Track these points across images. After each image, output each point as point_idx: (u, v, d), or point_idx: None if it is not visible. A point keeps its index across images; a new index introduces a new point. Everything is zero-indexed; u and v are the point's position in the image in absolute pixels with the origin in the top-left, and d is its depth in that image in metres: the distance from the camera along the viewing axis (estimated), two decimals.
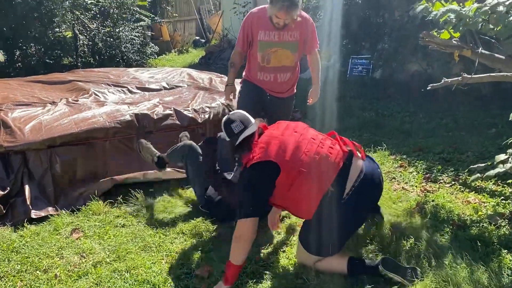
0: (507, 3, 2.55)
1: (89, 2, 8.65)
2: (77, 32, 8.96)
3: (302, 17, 3.25)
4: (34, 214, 3.20)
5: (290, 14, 3.05)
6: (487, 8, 2.60)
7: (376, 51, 6.89)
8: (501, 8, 2.56)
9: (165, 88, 4.84)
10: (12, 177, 3.34)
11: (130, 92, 4.66)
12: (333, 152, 2.34)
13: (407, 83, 6.32)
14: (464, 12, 2.70)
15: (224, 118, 2.54)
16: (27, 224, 3.10)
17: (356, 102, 6.00)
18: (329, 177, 2.27)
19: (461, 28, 2.75)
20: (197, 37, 14.16)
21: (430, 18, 2.89)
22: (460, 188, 3.42)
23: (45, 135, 3.46)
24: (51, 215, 3.23)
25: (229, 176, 3.16)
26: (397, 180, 3.68)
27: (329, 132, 2.51)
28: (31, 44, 8.31)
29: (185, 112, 4.07)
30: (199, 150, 3.26)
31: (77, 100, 4.21)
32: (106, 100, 4.31)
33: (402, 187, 3.52)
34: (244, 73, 3.59)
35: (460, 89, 3.12)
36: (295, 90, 3.61)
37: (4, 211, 3.18)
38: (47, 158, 3.44)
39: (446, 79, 3.10)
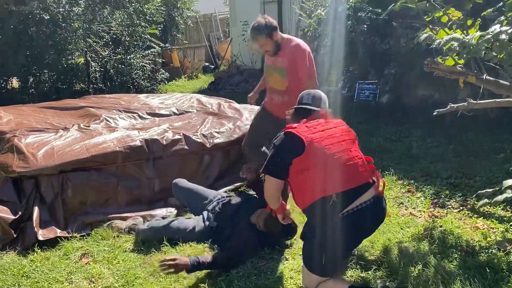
0: (509, 31, 2.60)
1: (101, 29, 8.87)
2: (89, 59, 9.17)
3: (294, 46, 3.45)
4: (41, 235, 3.24)
5: (255, 40, 3.39)
6: (489, 36, 2.65)
7: (382, 76, 6.94)
8: (503, 36, 2.60)
9: (174, 114, 4.91)
10: (24, 201, 3.39)
11: (141, 117, 4.73)
12: (356, 172, 2.40)
13: (414, 108, 6.33)
14: (467, 40, 2.75)
15: (307, 90, 2.79)
16: (37, 249, 3.14)
17: (363, 127, 6.02)
18: (339, 187, 2.32)
19: (465, 55, 2.80)
20: (207, 63, 14.40)
21: (434, 46, 2.95)
22: (468, 213, 3.40)
23: (57, 161, 3.53)
24: (61, 238, 3.27)
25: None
26: (405, 205, 3.68)
27: (366, 156, 2.56)
28: (45, 71, 8.52)
29: (194, 137, 4.14)
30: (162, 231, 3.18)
31: (88, 126, 4.28)
32: (117, 126, 4.38)
33: (410, 213, 3.51)
34: None
35: (468, 113, 3.14)
36: None
37: (15, 235, 3.23)
38: (59, 183, 3.50)
39: (452, 105, 3.13)
